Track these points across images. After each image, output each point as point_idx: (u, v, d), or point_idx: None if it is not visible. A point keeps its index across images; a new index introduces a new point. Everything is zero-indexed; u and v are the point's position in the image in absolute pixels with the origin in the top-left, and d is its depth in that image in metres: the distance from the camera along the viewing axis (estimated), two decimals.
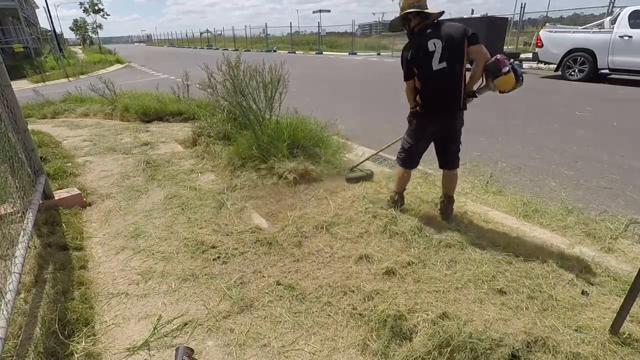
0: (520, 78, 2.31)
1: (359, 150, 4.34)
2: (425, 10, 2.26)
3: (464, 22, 13.12)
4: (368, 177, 3.38)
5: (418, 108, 2.44)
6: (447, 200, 2.65)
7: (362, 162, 3.52)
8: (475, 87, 2.45)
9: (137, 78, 13.82)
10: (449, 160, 2.59)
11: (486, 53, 2.30)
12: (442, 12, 2.27)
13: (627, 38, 8.44)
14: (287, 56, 22.11)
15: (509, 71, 2.26)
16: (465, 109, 2.44)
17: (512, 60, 2.37)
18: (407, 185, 2.78)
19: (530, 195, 3.13)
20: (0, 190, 2.15)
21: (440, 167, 2.65)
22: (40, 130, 5.41)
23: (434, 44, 2.23)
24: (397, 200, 2.75)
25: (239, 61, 3.92)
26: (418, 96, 2.42)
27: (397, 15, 2.36)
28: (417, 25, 2.31)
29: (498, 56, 2.31)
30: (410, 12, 2.25)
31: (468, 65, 2.33)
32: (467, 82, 2.41)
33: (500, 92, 2.38)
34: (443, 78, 2.28)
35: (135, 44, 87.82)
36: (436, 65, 2.25)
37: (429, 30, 2.27)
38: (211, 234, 2.54)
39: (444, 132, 2.51)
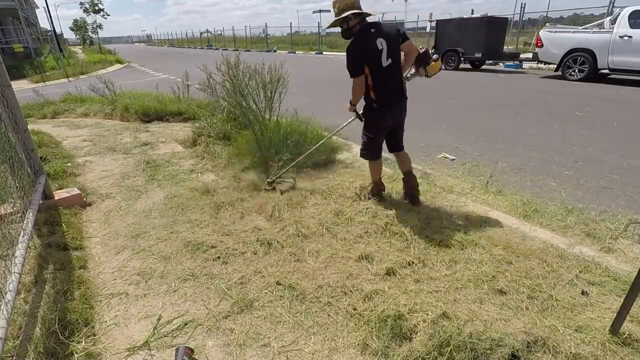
0: (441, 65, 2.80)
1: (358, 149, 4.33)
2: (364, 12, 2.45)
3: (464, 22, 13.22)
4: (294, 186, 3.23)
5: (374, 104, 2.62)
6: (408, 177, 2.88)
7: (285, 171, 3.28)
8: (407, 75, 2.79)
9: (137, 78, 13.82)
10: (400, 145, 2.88)
11: (415, 47, 2.65)
12: (371, 14, 2.54)
13: (627, 38, 8.44)
14: (287, 56, 22.10)
15: (437, 58, 2.74)
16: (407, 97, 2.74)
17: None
18: (381, 172, 2.98)
19: (530, 195, 3.13)
20: (0, 190, 2.15)
21: (391, 151, 2.92)
22: (40, 130, 5.41)
23: (381, 42, 2.44)
24: (375, 189, 2.96)
25: (238, 61, 3.92)
26: (372, 92, 2.59)
27: (336, 17, 2.49)
28: (355, 25, 2.48)
29: (425, 48, 2.74)
30: (351, 13, 2.41)
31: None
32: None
33: (428, 76, 2.80)
34: (391, 73, 2.54)
35: (135, 44, 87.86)
36: (385, 62, 2.48)
37: (372, 30, 2.46)
38: (211, 234, 2.54)
39: (395, 121, 2.75)
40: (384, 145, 2.90)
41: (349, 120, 2.94)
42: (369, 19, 2.54)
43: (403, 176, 2.93)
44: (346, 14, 2.41)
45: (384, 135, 2.80)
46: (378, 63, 2.47)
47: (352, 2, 2.42)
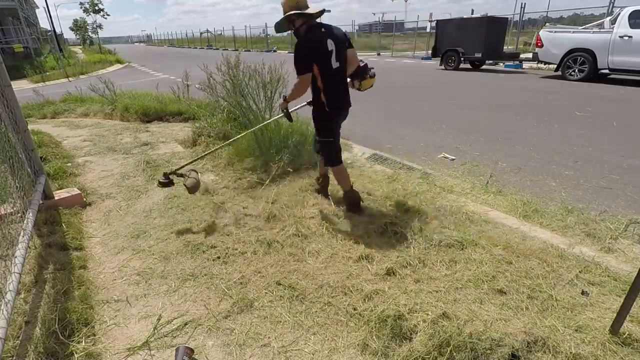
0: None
1: (358, 149, 4.34)
2: (306, 12, 2.35)
3: (464, 22, 13.21)
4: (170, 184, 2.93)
5: (325, 107, 2.51)
6: (324, 178, 3.02)
7: (188, 164, 3.06)
8: None
9: (137, 78, 13.82)
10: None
11: (357, 58, 2.62)
12: (323, 11, 2.42)
13: (627, 38, 8.44)
14: (287, 56, 22.08)
15: (373, 75, 2.72)
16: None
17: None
18: (349, 179, 2.78)
19: (530, 195, 3.13)
20: (0, 190, 2.15)
21: (316, 151, 2.90)
22: (40, 130, 5.41)
23: (331, 43, 2.37)
24: (354, 197, 2.76)
25: (238, 61, 3.92)
26: (322, 95, 2.49)
27: (283, 17, 2.42)
28: (301, 25, 2.40)
29: (365, 62, 2.71)
30: (292, 13, 2.34)
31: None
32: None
33: (360, 89, 2.77)
34: (340, 76, 2.51)
35: (135, 44, 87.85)
36: (334, 64, 2.42)
37: (323, 30, 2.39)
38: (211, 234, 2.54)
39: (341, 123, 2.74)
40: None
41: (278, 116, 3.00)
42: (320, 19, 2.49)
43: (320, 178, 3.04)
44: (288, 13, 2.35)
45: (338, 136, 2.71)
46: (328, 64, 2.40)
47: (295, 3, 2.34)
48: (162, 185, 2.83)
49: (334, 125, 2.65)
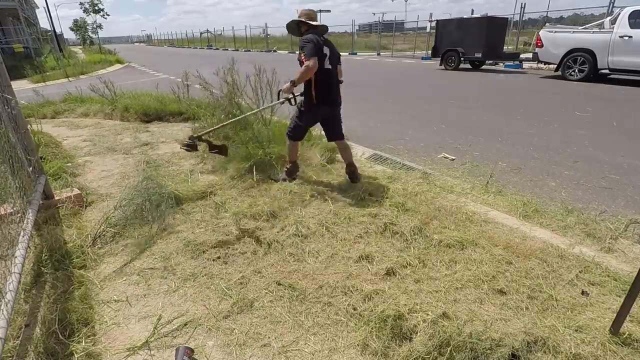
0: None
1: (358, 149, 4.34)
2: (310, 22, 2.95)
3: (464, 22, 13.21)
4: (193, 148, 3.22)
5: (313, 100, 2.95)
6: (350, 167, 3.30)
7: (219, 127, 3.50)
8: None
9: (137, 78, 13.82)
10: (336, 134, 3.23)
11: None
12: (326, 29, 3.09)
13: (627, 38, 8.44)
14: (287, 56, 22.10)
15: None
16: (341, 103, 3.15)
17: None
18: (297, 154, 3.37)
19: (530, 195, 3.13)
20: (0, 190, 2.15)
21: (330, 139, 3.31)
22: (40, 130, 5.40)
23: (326, 49, 2.89)
24: (292, 169, 3.33)
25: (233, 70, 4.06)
26: (313, 89, 2.92)
27: (292, 19, 3.01)
28: (306, 31, 2.96)
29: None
30: (302, 20, 2.95)
31: None
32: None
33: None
34: (330, 78, 2.97)
35: (136, 44, 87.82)
36: (326, 64, 2.90)
37: (322, 39, 2.90)
38: (211, 234, 2.54)
39: (327, 119, 3.16)
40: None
41: (279, 101, 3.16)
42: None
43: (345, 166, 3.33)
44: (299, 18, 2.94)
45: (313, 122, 3.19)
46: (322, 62, 2.83)
47: (306, 13, 2.96)
48: (186, 147, 3.06)
49: (313, 116, 3.10)
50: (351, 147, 4.32)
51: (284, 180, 3.27)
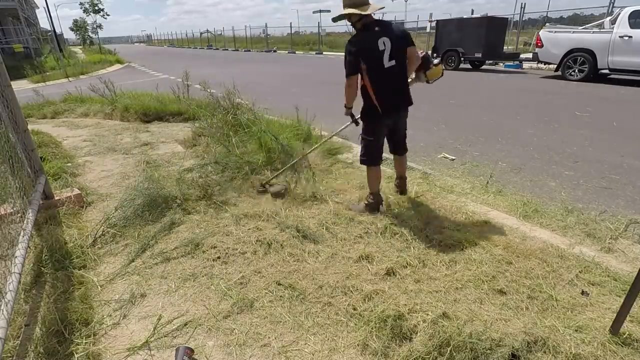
0: (443, 69, 2.78)
1: (359, 149, 4.33)
2: (358, 12, 2.36)
3: (464, 22, 13.20)
4: (286, 190, 3.14)
5: (374, 108, 2.51)
6: (400, 180, 3.01)
7: (280, 172, 3.30)
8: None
9: (137, 78, 13.82)
10: (400, 147, 2.89)
11: (417, 52, 2.58)
12: (381, 7, 2.45)
13: (627, 38, 8.44)
14: (287, 56, 22.11)
15: (438, 63, 2.70)
16: (412, 103, 2.66)
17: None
18: (380, 183, 2.82)
19: (530, 195, 3.13)
20: (0, 190, 2.15)
21: (391, 152, 2.94)
22: (40, 130, 5.41)
23: (384, 42, 2.37)
24: (374, 202, 2.75)
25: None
26: (372, 95, 2.49)
27: (339, 15, 2.50)
28: (358, 21, 2.43)
29: (425, 52, 2.67)
30: (348, 14, 2.40)
31: None
32: None
33: (428, 82, 2.76)
34: (394, 75, 2.46)
35: (135, 44, 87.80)
36: (387, 63, 2.40)
37: (377, 28, 2.39)
38: (211, 234, 2.54)
39: (395, 125, 2.71)
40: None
41: (346, 124, 2.87)
42: (376, 16, 2.48)
43: (396, 179, 3.05)
44: (346, 11, 2.40)
45: (383, 138, 2.70)
46: (379, 63, 2.40)
47: (350, 3, 2.38)
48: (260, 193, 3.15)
49: (379, 126, 2.62)
50: (351, 147, 4.34)
51: (362, 212, 2.74)
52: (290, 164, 3.29)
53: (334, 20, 2.59)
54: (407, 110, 2.71)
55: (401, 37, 2.45)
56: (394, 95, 2.54)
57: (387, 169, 3.70)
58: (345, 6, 2.41)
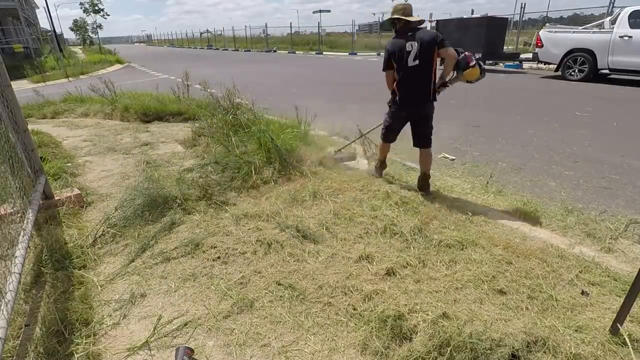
0: (484, 71, 2.98)
1: (359, 149, 4.33)
2: (404, 18, 2.87)
3: (464, 22, 13.21)
4: (352, 157, 3.88)
5: (395, 97, 3.03)
6: (423, 176, 3.16)
7: (347, 145, 4.03)
8: (447, 79, 3.04)
9: (137, 78, 13.82)
10: (420, 141, 3.13)
11: (454, 53, 2.88)
12: (422, 21, 2.95)
13: (627, 38, 8.44)
14: (287, 56, 22.12)
15: (474, 65, 2.91)
16: (436, 100, 3.00)
17: (477, 56, 3.01)
18: (387, 154, 3.50)
19: (530, 195, 3.13)
20: (0, 190, 2.15)
21: (414, 146, 3.19)
22: (40, 130, 5.40)
23: (411, 45, 2.81)
24: (379, 167, 3.53)
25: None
26: (395, 87, 2.99)
27: (388, 17, 3.01)
28: (401, 27, 2.92)
29: (466, 53, 2.94)
30: (395, 17, 2.91)
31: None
32: (438, 77, 2.97)
33: (467, 82, 3.03)
34: (416, 74, 2.86)
35: (135, 44, 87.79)
36: (411, 62, 2.83)
37: (409, 34, 2.85)
38: (211, 234, 2.54)
39: (413, 118, 3.08)
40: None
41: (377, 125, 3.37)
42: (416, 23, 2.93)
43: (420, 175, 3.21)
44: (393, 16, 2.92)
45: (399, 125, 3.17)
46: (404, 62, 2.84)
47: (401, 9, 2.88)
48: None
49: (397, 115, 3.11)
50: (350, 147, 4.33)
51: (373, 175, 3.48)
52: (356, 139, 3.98)
53: (384, 22, 3.14)
54: (427, 107, 2.99)
55: (429, 41, 2.80)
56: (411, 90, 2.94)
57: (387, 169, 3.70)
58: (394, 12, 2.93)
